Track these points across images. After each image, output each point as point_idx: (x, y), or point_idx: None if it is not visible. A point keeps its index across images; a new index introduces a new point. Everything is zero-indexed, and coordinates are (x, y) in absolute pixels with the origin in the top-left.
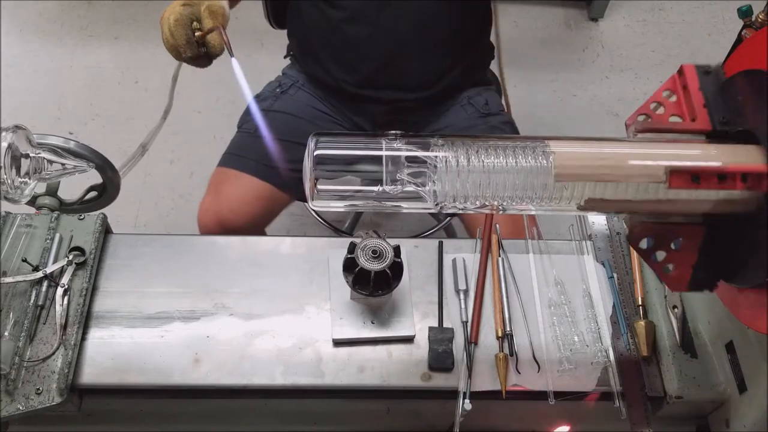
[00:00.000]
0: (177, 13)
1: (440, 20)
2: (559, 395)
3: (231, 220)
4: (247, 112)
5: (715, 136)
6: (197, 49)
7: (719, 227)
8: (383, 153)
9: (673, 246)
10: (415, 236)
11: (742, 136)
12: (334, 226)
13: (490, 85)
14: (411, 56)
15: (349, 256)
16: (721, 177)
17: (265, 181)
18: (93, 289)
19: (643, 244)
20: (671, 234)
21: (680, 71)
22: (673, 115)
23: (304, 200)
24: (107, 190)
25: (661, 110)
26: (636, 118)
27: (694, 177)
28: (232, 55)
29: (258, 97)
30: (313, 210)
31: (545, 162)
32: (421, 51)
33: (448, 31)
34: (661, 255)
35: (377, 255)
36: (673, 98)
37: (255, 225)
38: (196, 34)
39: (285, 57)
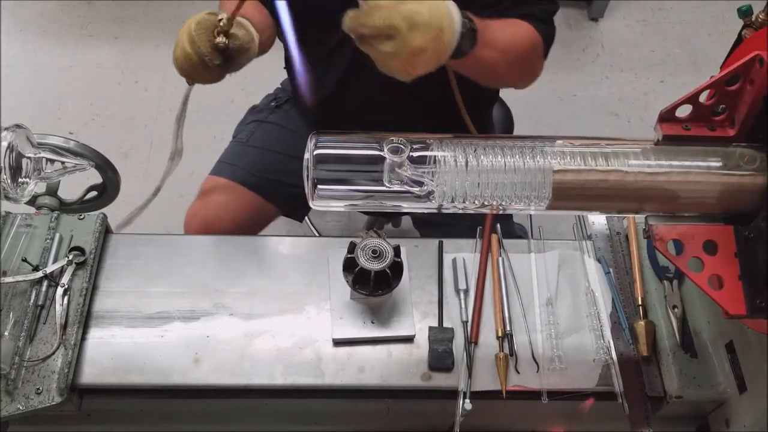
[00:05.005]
0: (199, 17)
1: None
2: (559, 394)
3: (216, 226)
4: (243, 123)
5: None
6: (220, 58)
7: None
8: (383, 153)
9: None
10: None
11: None
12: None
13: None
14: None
15: (349, 255)
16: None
17: (253, 191)
18: (93, 289)
19: (671, 248)
20: (698, 235)
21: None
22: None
23: (292, 216)
24: (107, 190)
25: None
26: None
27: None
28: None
29: (254, 109)
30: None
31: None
32: (418, 110)
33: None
34: (697, 263)
35: (377, 255)
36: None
37: (240, 233)
38: (218, 39)
39: (284, 67)
